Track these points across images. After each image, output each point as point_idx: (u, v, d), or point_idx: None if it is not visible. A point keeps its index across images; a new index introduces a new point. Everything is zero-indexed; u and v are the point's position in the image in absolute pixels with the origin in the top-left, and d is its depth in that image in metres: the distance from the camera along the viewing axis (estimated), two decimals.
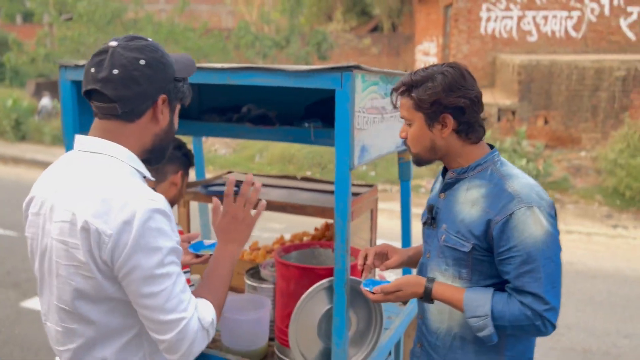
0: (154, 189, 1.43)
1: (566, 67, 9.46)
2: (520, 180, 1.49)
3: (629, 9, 12.67)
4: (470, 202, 1.52)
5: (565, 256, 5.59)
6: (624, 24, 12.76)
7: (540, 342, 3.92)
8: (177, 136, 2.30)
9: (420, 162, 1.61)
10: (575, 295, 4.66)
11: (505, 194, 1.46)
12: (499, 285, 1.51)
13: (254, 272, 2.34)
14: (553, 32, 12.88)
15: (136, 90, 1.20)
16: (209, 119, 2.66)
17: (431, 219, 1.62)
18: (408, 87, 1.55)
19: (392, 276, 1.82)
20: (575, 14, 12.79)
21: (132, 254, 1.13)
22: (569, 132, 9.39)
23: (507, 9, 12.91)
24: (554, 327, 1.43)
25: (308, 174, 8.77)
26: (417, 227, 2.03)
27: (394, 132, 2.28)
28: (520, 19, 12.95)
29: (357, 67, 1.78)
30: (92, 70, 1.21)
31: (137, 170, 1.25)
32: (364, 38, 19.42)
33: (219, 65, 1.96)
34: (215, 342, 2.16)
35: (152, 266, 1.15)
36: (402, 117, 1.60)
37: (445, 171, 1.65)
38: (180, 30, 14.23)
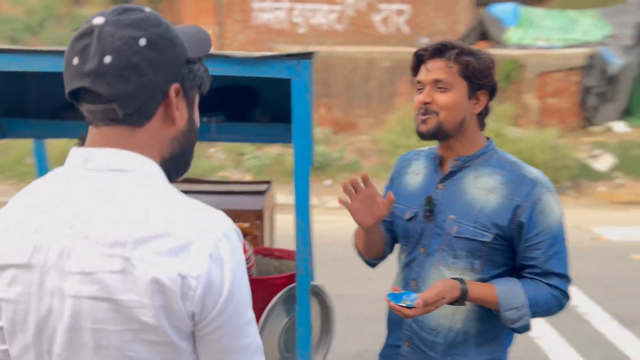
0: None
1: (341, 58, 10.23)
2: (529, 167, 1.54)
3: (380, 6, 14.23)
4: (485, 190, 1.49)
5: None
6: (376, 19, 14.30)
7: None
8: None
9: (438, 134, 1.50)
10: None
11: (526, 180, 1.48)
12: (508, 273, 1.53)
13: None
14: (320, 25, 13.79)
15: (138, 82, 0.87)
16: (73, 117, 2.18)
17: (429, 211, 1.55)
18: (461, 52, 1.46)
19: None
20: (337, 8, 13.87)
21: (231, 297, 0.85)
22: (348, 118, 10.19)
23: (278, 0, 13.38)
24: (569, 299, 1.53)
25: None
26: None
27: None
28: (290, 11, 13.54)
29: (313, 54, 1.64)
30: (76, 61, 0.86)
31: None
32: None
33: None
34: None
35: (247, 308, 0.89)
36: (435, 80, 1.47)
37: (440, 161, 1.59)
38: None
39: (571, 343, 3.80)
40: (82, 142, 1.69)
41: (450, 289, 1.42)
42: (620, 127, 9.96)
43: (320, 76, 10.23)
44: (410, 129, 8.58)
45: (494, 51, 11.22)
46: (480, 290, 1.46)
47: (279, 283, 1.72)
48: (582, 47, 11.05)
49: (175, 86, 0.91)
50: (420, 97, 1.50)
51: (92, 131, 0.92)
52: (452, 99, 1.47)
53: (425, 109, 1.49)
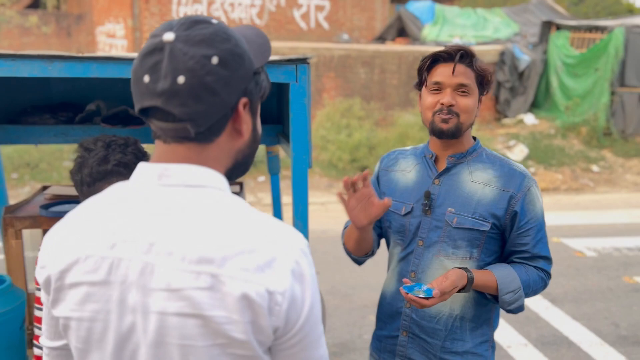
0: None
1: None
2: (513, 161, 1.67)
3: (300, 1, 14.30)
4: (481, 184, 1.60)
5: (318, 226, 6.14)
6: (297, 14, 14.36)
7: (337, 304, 4.27)
8: None
9: (456, 132, 1.58)
10: (346, 259, 5.20)
11: (517, 173, 1.62)
12: (497, 260, 1.66)
13: None
14: (240, 19, 13.63)
15: (212, 102, 0.85)
16: (38, 121, 2.08)
17: (428, 205, 1.63)
18: (475, 58, 1.58)
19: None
20: (258, 2, 13.79)
21: (311, 311, 0.88)
22: None
23: None
24: (550, 279, 1.68)
25: (14, 176, 7.43)
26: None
27: None
28: (209, 4, 13.29)
29: (309, 59, 1.68)
30: (147, 79, 0.84)
31: None
32: (29, 15, 17.10)
33: (130, 55, 1.59)
34: None
35: (320, 321, 0.92)
36: (460, 84, 1.57)
37: (434, 159, 1.67)
38: None
39: (510, 323, 4.08)
40: (82, 150, 1.60)
41: (460, 277, 1.52)
42: (529, 119, 10.68)
43: None
44: (338, 124, 8.73)
45: (414, 47, 11.64)
46: (482, 277, 1.57)
47: None
48: (493, 44, 11.72)
49: (243, 100, 0.90)
50: (445, 99, 1.57)
51: (160, 146, 0.90)
52: (472, 103, 1.59)
53: (449, 109, 1.58)
